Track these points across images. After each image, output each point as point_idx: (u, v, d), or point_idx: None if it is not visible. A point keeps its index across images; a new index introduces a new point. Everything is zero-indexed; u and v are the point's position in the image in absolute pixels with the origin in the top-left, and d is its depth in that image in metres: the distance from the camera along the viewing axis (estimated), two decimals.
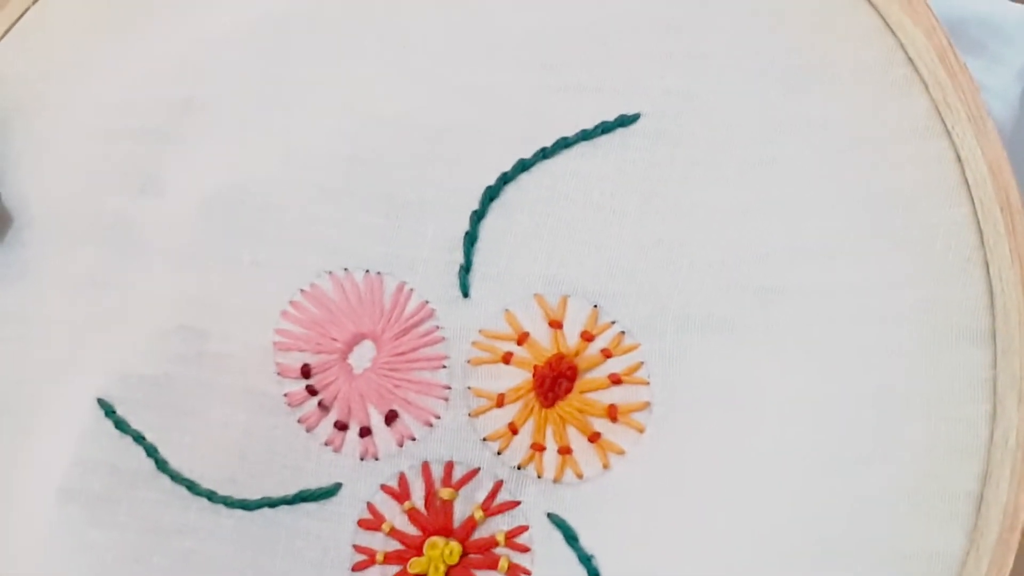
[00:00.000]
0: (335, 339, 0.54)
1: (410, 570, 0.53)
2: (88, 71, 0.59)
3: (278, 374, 0.55)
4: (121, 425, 0.56)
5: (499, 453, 0.53)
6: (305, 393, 0.54)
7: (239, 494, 0.55)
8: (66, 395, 0.57)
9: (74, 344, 0.57)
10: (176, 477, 0.55)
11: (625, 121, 0.53)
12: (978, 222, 0.49)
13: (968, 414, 0.48)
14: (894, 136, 0.50)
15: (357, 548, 0.54)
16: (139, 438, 0.56)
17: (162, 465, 0.55)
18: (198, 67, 0.58)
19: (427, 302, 0.54)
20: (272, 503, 0.54)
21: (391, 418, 0.53)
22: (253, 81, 0.57)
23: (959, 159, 0.50)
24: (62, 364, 0.57)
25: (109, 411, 0.56)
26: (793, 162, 0.51)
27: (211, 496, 0.55)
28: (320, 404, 0.54)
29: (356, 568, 0.53)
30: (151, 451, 0.56)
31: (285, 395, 0.55)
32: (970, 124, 0.50)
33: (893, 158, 0.50)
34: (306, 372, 0.54)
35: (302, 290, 0.55)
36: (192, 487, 0.55)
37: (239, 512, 0.55)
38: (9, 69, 0.60)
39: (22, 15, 0.60)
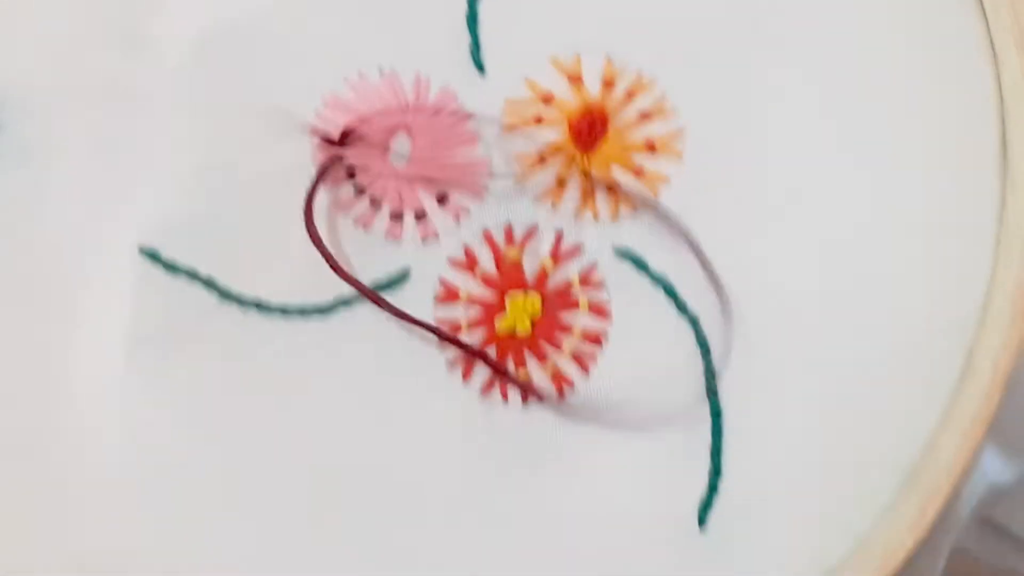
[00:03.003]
0: (371, 138, 0.53)
1: (498, 327, 0.52)
2: None
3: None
4: (171, 266, 0.53)
5: (553, 206, 0.53)
6: (354, 193, 0.53)
7: (310, 302, 0.53)
8: (104, 255, 0.54)
9: (99, 204, 0.54)
10: (243, 301, 0.53)
11: None
12: None
13: (974, 73, 0.52)
14: None
15: (440, 322, 0.52)
16: (193, 274, 0.53)
17: (225, 293, 0.53)
18: None
19: (447, 86, 0.53)
20: (347, 301, 0.53)
21: (443, 198, 0.53)
22: None
23: None
24: (90, 228, 0.54)
25: (154, 256, 0.53)
26: None
27: (284, 310, 0.53)
28: (371, 201, 0.53)
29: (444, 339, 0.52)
30: (209, 283, 0.53)
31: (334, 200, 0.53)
32: None
33: None
34: (351, 174, 0.53)
35: (323, 101, 0.53)
36: (262, 307, 0.53)
37: (316, 317, 0.53)
38: None
39: None
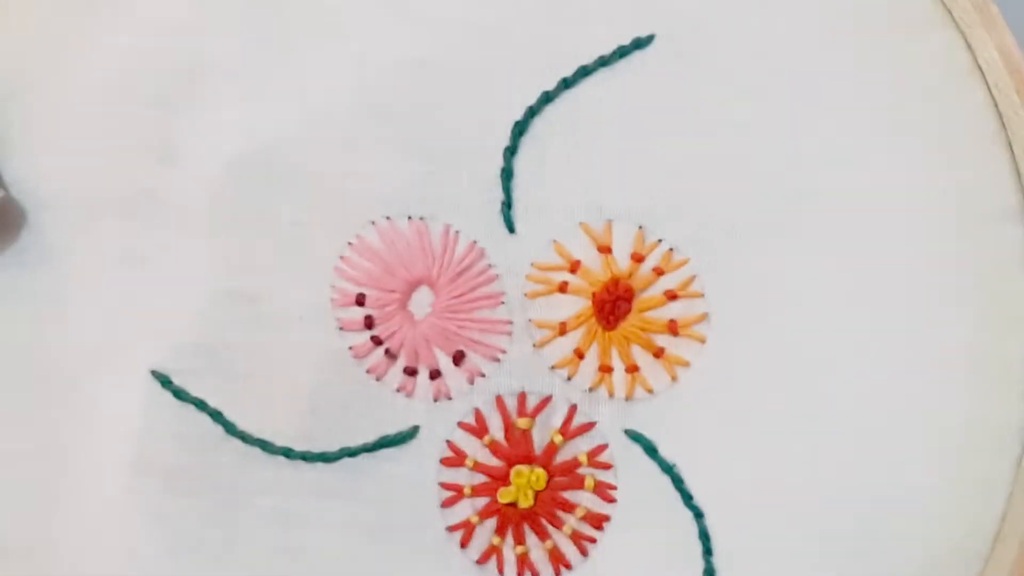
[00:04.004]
0: (392, 289, 0.52)
1: (500, 499, 0.51)
2: (77, 43, 0.54)
3: (340, 328, 0.52)
4: (181, 394, 0.52)
5: (569, 379, 0.51)
6: (370, 344, 0.52)
7: (316, 449, 0.52)
8: (118, 371, 0.53)
9: (116, 320, 0.53)
10: (248, 438, 0.52)
11: (641, 43, 0.52)
12: (995, 104, 0.50)
13: (1013, 288, 0.50)
14: (902, 30, 0.51)
15: (444, 485, 0.52)
16: (201, 405, 0.52)
17: (231, 428, 0.52)
18: (196, 30, 0.53)
19: (475, 242, 0.52)
20: (352, 452, 0.52)
21: (459, 358, 0.52)
22: (256, 41, 0.53)
23: (968, 47, 0.50)
24: (107, 341, 0.53)
25: (165, 382, 0.52)
26: (808, 67, 0.51)
27: (288, 453, 0.52)
28: (387, 352, 0.52)
29: (446, 504, 0.52)
30: (216, 416, 0.52)
31: (350, 348, 0.52)
32: (975, 12, 0.50)
33: (904, 52, 0.51)
34: (369, 323, 0.52)
35: (349, 243, 0.52)
36: (266, 446, 0.52)
37: (320, 465, 0.52)
38: None
39: None
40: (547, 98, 0.51)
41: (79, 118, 0.53)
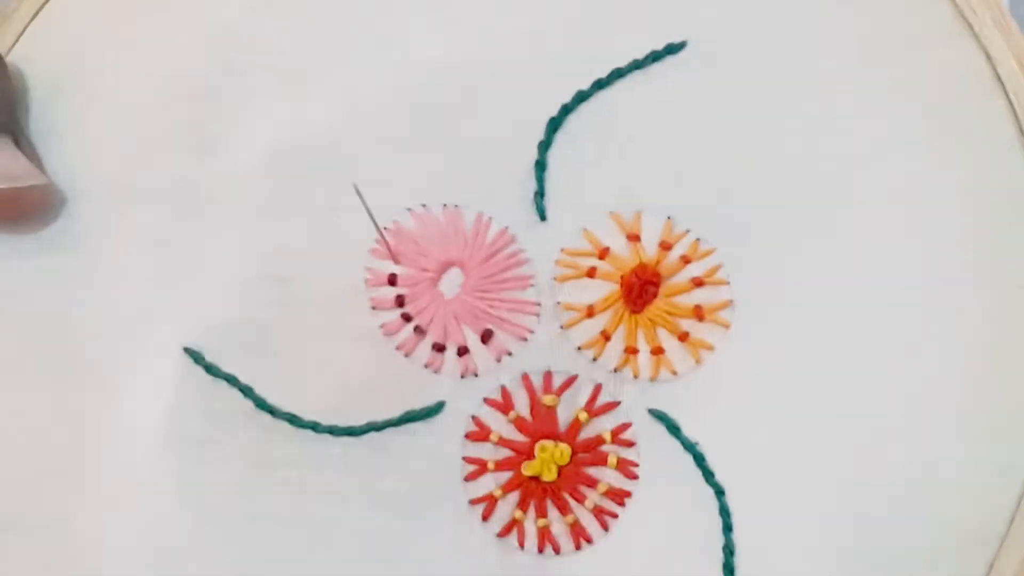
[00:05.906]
0: (424, 268, 0.52)
1: (524, 472, 0.51)
2: (128, 43, 0.56)
3: (372, 308, 0.52)
4: (212, 370, 0.53)
5: (595, 359, 0.52)
6: (400, 321, 0.52)
7: (343, 423, 0.52)
8: (149, 349, 0.53)
9: (149, 300, 0.54)
10: (277, 412, 0.52)
11: (673, 49, 0.53)
12: (1015, 113, 0.51)
13: None
14: (925, 41, 0.52)
15: (467, 459, 0.52)
16: (233, 380, 0.53)
17: (260, 403, 0.52)
18: (247, 30, 0.56)
19: (507, 228, 0.52)
20: (378, 427, 0.52)
21: (487, 336, 0.52)
22: (303, 41, 0.55)
23: (988, 58, 0.51)
24: (139, 320, 0.54)
25: (198, 358, 0.53)
26: (835, 73, 0.53)
27: (315, 427, 0.52)
28: (416, 329, 0.52)
29: (469, 478, 0.51)
30: (247, 391, 0.52)
31: (381, 325, 0.52)
32: (995, 26, 0.52)
33: (927, 60, 0.52)
34: (400, 301, 0.52)
35: (386, 227, 0.52)
36: (294, 420, 0.52)
37: (346, 439, 0.52)
38: (44, 49, 0.56)
39: None
40: (581, 97, 0.53)
41: (124, 112, 0.55)
